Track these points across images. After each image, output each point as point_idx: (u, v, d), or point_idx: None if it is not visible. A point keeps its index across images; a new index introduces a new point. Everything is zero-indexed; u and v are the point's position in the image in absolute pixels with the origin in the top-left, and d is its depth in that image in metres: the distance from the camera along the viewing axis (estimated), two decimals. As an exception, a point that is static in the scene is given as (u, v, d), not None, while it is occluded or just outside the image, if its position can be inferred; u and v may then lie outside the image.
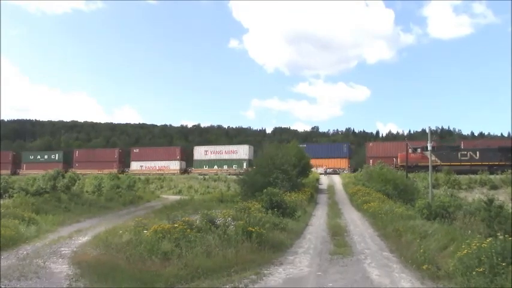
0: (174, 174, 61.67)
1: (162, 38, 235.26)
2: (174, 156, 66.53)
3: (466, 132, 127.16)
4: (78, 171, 58.99)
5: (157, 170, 64.34)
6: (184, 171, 64.96)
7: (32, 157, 75.03)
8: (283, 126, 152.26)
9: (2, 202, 21.27)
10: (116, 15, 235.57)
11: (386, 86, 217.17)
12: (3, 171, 62.90)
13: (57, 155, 75.14)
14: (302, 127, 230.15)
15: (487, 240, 8.14)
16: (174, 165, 65.42)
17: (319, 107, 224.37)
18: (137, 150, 71.59)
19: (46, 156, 74.32)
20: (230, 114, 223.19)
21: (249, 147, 63.79)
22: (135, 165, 68.16)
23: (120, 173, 62.62)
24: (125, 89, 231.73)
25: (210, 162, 63.83)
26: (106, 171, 60.24)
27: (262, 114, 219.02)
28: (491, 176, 45.50)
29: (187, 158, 67.58)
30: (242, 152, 62.88)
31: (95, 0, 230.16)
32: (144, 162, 67.66)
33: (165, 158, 66.95)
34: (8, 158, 73.91)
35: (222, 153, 64.45)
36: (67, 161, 72.87)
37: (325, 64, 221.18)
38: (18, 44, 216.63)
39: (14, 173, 69.01)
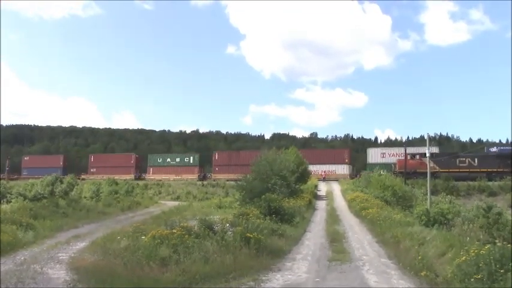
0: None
1: (159, 44, 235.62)
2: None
3: (464, 138, 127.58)
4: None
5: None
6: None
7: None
8: (281, 132, 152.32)
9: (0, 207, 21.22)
10: (113, 21, 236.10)
11: (384, 92, 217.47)
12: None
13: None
14: (300, 133, 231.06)
15: (486, 247, 8.13)
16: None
17: (317, 113, 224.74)
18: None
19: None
20: (228, 120, 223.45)
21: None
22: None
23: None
24: (123, 94, 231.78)
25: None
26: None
27: (260, 120, 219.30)
28: (490, 183, 45.56)
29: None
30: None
31: (93, 5, 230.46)
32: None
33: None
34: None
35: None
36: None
37: (323, 70, 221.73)
38: (16, 49, 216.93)
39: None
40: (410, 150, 52.08)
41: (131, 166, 70.02)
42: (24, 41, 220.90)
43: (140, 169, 71.09)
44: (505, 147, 52.89)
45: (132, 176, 65.82)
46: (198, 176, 64.74)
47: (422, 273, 9.18)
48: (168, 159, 69.51)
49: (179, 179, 63.38)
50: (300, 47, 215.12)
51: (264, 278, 9.25)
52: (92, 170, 71.37)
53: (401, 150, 52.21)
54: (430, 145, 29.54)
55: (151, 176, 66.90)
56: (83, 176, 67.89)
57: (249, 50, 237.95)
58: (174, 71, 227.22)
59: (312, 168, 49.66)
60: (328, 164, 61.24)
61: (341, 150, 69.07)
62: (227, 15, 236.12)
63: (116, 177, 58.36)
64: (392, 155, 58.14)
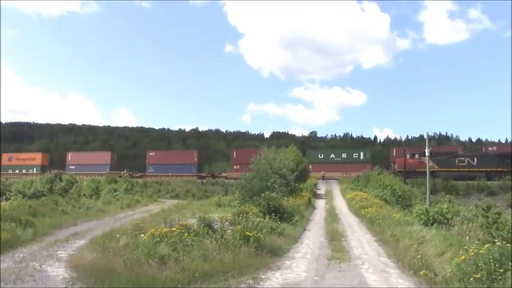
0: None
1: (157, 42, 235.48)
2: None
3: (463, 138, 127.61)
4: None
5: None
6: None
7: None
8: (281, 131, 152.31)
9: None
10: (111, 18, 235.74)
11: (383, 91, 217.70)
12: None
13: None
14: (299, 132, 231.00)
15: (485, 246, 8.13)
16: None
17: (316, 111, 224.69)
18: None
19: None
20: (227, 118, 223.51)
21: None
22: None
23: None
24: (123, 92, 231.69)
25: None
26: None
27: (259, 118, 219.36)
28: (489, 182, 45.62)
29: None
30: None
31: (91, 3, 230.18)
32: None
33: None
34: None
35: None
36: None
37: (321, 69, 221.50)
38: (14, 46, 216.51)
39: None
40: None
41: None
42: (22, 38, 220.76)
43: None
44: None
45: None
46: None
47: (421, 273, 9.18)
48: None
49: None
50: (298, 45, 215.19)
51: (263, 276, 9.24)
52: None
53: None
54: (429, 144, 29.52)
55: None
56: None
57: (247, 48, 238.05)
58: (172, 69, 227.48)
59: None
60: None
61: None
62: (225, 14, 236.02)
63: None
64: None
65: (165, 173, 65.69)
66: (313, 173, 56.73)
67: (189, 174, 64.59)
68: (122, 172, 68.04)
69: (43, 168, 71.29)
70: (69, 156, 76.40)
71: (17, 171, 71.29)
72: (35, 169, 71.52)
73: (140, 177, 65.85)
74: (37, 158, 76.10)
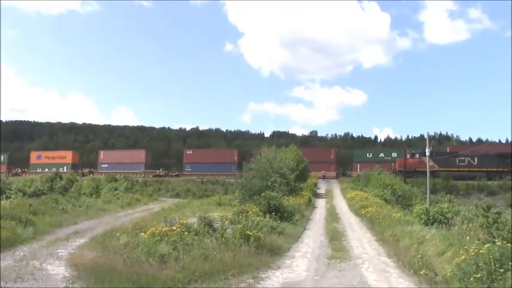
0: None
1: (157, 41, 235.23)
2: None
3: (464, 138, 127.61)
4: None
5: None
6: None
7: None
8: (281, 130, 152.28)
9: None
10: (111, 18, 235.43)
11: (383, 91, 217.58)
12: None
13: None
14: (300, 131, 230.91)
15: (485, 246, 8.13)
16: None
17: (316, 111, 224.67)
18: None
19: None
20: (227, 117, 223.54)
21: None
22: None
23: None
24: (123, 91, 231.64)
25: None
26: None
27: (260, 118, 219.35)
28: (489, 182, 45.59)
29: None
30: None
31: (91, 2, 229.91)
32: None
33: None
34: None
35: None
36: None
37: (321, 68, 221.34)
38: (14, 45, 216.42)
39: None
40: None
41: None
42: (22, 37, 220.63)
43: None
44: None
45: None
46: None
47: (421, 272, 9.17)
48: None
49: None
50: (298, 45, 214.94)
51: (263, 275, 9.24)
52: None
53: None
54: (429, 144, 29.51)
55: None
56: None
57: (247, 48, 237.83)
58: (172, 68, 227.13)
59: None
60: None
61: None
62: (225, 13, 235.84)
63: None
64: None
65: (204, 172, 63.18)
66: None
67: (229, 173, 61.97)
68: (158, 171, 66.73)
69: (74, 167, 69.91)
70: (101, 154, 73.69)
71: (46, 170, 66.21)
72: (65, 168, 69.38)
73: (177, 176, 64.47)
74: (67, 156, 73.61)
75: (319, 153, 66.22)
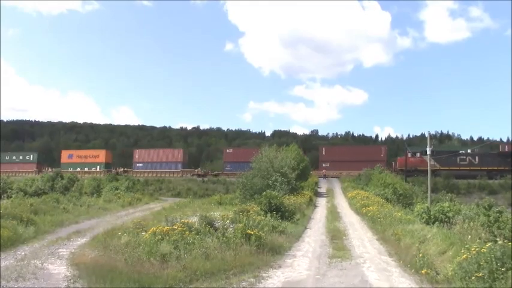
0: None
1: (158, 40, 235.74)
2: None
3: (465, 137, 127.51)
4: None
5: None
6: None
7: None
8: (282, 130, 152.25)
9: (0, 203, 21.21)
10: (112, 17, 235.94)
11: (384, 90, 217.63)
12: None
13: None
14: (301, 130, 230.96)
15: (487, 245, 8.11)
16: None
17: (317, 110, 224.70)
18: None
19: None
20: (228, 116, 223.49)
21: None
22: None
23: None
24: (123, 90, 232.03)
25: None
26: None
27: (260, 117, 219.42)
28: (490, 181, 45.53)
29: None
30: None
31: (91, 1, 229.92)
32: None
33: None
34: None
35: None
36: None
37: (322, 67, 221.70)
38: (14, 45, 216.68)
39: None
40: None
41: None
42: (21, 36, 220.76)
43: None
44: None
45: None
46: None
47: (423, 271, 9.16)
48: None
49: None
50: (298, 44, 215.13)
51: (264, 274, 9.24)
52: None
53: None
54: (430, 143, 29.45)
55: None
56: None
57: (248, 47, 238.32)
58: (173, 67, 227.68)
59: None
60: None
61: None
62: (226, 13, 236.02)
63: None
64: None
65: (245, 171, 61.96)
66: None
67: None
68: (197, 170, 65.43)
69: (107, 166, 68.40)
70: (137, 153, 71.66)
71: (78, 169, 66.44)
72: (98, 167, 68.26)
73: (216, 175, 63.36)
74: (100, 155, 71.56)
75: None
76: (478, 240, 9.44)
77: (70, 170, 65.91)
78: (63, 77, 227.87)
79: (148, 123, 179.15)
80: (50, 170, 68.62)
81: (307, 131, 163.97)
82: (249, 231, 11.56)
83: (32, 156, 73.34)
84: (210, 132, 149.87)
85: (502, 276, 7.19)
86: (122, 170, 68.44)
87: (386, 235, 15.15)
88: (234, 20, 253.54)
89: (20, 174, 62.61)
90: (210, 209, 21.71)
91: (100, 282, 8.13)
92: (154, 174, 62.33)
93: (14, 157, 74.17)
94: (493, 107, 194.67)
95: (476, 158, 49.23)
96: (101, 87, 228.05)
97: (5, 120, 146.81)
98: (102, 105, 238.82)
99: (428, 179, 28.19)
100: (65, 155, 73.04)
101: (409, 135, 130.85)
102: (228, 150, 69.53)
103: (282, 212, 18.22)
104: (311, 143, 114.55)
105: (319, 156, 66.72)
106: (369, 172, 45.13)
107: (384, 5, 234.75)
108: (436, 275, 8.88)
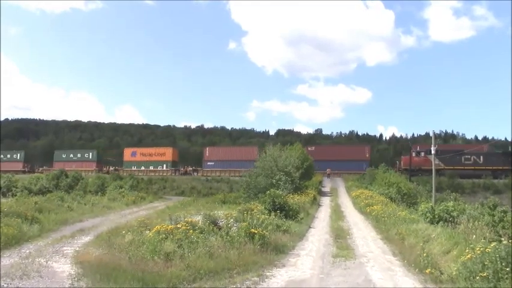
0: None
1: (161, 39, 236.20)
2: None
3: (469, 136, 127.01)
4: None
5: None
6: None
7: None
8: (286, 129, 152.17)
9: (5, 201, 21.32)
10: (115, 16, 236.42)
11: (387, 89, 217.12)
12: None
13: None
14: (304, 129, 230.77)
15: (491, 245, 8.08)
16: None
17: (320, 109, 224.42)
18: None
19: None
20: (232, 115, 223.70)
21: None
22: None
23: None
24: (127, 89, 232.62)
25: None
26: None
27: (263, 115, 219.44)
28: (495, 181, 45.29)
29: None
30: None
31: (95, 0, 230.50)
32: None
33: None
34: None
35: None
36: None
37: (325, 66, 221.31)
38: (17, 43, 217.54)
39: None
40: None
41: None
42: (25, 35, 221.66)
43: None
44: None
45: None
46: None
47: (427, 271, 9.13)
48: None
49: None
50: (301, 43, 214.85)
51: (268, 273, 9.23)
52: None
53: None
54: (435, 142, 29.35)
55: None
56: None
57: (251, 46, 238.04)
58: (176, 66, 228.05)
59: None
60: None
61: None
62: (229, 12, 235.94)
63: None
64: None
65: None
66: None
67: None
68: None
69: (174, 164, 65.18)
70: (207, 151, 66.14)
71: (142, 167, 64.14)
72: (164, 165, 64.77)
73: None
74: (167, 153, 66.82)
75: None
76: (482, 240, 9.41)
77: (133, 168, 64.46)
78: (66, 76, 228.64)
79: (152, 122, 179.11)
80: (111, 169, 67.19)
81: (311, 130, 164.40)
82: (252, 230, 11.56)
83: (91, 154, 70.55)
84: (214, 131, 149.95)
85: (506, 276, 7.16)
86: (191, 169, 65.43)
87: (390, 234, 15.11)
88: (237, 19, 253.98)
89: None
90: (214, 207, 21.76)
91: (104, 281, 8.16)
92: (227, 174, 58.64)
93: (72, 155, 70.53)
94: (497, 106, 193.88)
95: (481, 157, 48.97)
96: (105, 85, 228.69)
97: (10, 119, 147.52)
98: (106, 103, 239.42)
99: (433, 178, 28.09)
100: (127, 153, 69.30)
101: (413, 134, 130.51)
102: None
103: (285, 211, 18.19)
104: (315, 141, 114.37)
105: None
106: (373, 171, 45.02)
107: (387, 3, 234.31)
108: (440, 275, 8.85)
